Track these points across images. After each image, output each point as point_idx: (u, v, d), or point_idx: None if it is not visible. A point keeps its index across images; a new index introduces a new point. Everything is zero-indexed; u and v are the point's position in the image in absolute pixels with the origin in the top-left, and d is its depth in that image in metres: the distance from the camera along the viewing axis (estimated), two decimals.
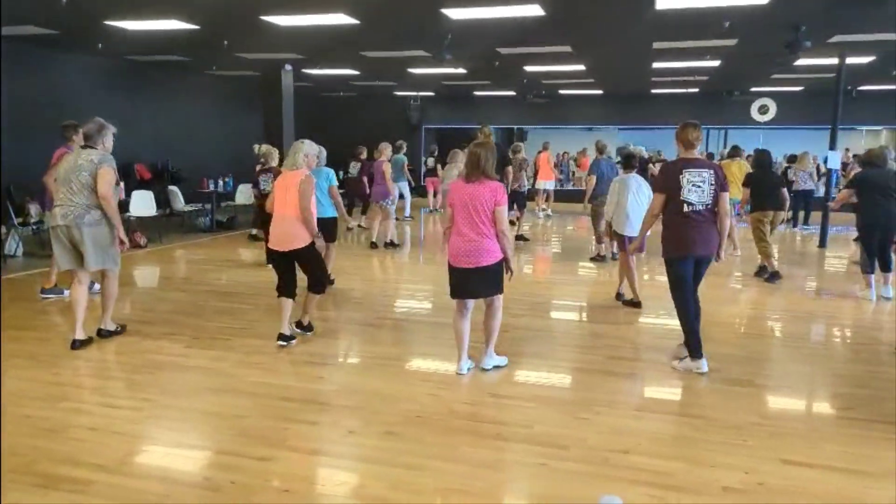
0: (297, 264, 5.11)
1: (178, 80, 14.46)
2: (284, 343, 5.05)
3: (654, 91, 16.70)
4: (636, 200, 6.57)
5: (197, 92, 14.84)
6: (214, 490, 2.99)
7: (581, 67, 12.53)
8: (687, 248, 4.52)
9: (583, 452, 3.38)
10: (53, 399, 4.03)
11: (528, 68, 12.82)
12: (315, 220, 5.00)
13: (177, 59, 12.51)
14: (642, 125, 19.55)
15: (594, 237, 9.24)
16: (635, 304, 6.48)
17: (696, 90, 16.37)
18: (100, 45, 10.80)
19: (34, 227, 8.92)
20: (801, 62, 10.99)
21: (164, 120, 13.86)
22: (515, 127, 24.18)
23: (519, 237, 10.70)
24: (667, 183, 4.56)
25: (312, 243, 5.05)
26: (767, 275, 7.91)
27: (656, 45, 9.90)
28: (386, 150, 9.35)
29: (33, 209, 8.89)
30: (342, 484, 3.04)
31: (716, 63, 11.60)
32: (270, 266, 8.05)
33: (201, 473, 3.13)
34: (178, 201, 11.37)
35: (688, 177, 4.44)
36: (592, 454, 3.36)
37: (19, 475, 3.10)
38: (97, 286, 6.15)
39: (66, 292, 6.41)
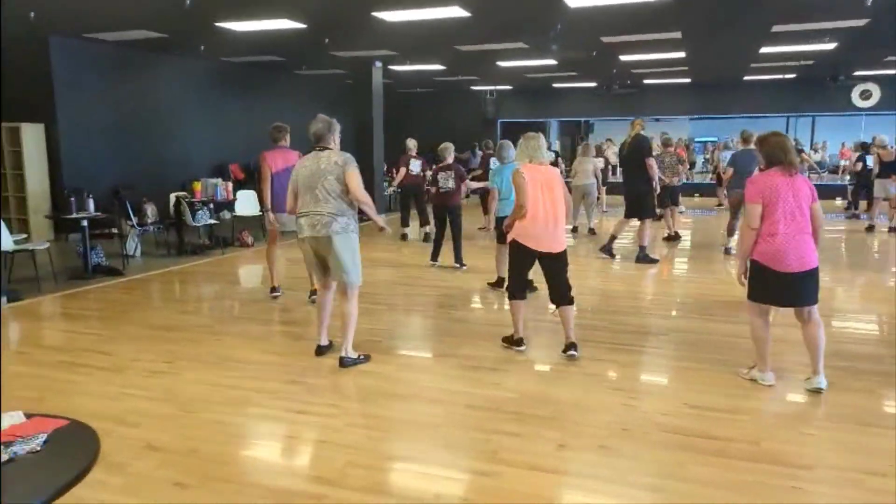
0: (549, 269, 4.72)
1: (270, 81, 14.58)
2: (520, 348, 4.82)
3: (746, 78, 15.97)
4: None
5: (286, 92, 14.94)
6: None
7: (681, 55, 12.04)
8: None
9: (832, 474, 3.09)
10: (236, 403, 3.97)
11: (624, 57, 12.40)
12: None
13: (270, 59, 12.59)
14: (728, 115, 18.80)
15: (726, 230, 8.85)
16: None
17: (793, 76, 15.57)
18: (202, 47, 10.96)
19: (149, 227, 9.08)
20: None
21: (255, 120, 13.97)
22: (582, 119, 23.65)
23: (671, 237, 10.09)
24: None
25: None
26: None
27: (776, 28, 9.37)
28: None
29: (150, 210, 9.05)
30: None
31: (831, 46, 10.93)
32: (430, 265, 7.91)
33: (430, 490, 2.97)
34: None
35: None
36: (844, 476, 3.06)
37: (243, 486, 3.01)
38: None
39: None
